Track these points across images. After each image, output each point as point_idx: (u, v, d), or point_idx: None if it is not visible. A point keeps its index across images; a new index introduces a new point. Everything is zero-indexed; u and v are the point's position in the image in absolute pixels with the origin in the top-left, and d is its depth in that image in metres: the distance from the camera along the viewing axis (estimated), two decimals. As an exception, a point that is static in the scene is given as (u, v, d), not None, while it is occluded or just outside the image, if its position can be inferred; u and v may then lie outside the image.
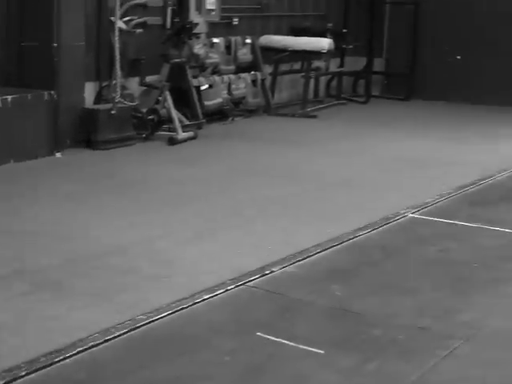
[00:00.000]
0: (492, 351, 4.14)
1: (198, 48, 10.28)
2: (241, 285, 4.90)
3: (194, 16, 9.98)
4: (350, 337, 4.25)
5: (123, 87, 9.19)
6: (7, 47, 8.68)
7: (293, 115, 11.79)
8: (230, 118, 10.97)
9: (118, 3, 8.92)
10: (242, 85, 11.28)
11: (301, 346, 4.09)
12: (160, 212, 6.52)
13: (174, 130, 9.43)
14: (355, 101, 13.50)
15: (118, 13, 8.99)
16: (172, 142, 9.25)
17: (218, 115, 10.93)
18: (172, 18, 9.74)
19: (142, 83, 9.80)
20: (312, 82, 12.90)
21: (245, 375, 3.79)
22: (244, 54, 11.42)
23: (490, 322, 4.48)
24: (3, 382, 3.56)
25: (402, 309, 4.63)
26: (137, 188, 7.28)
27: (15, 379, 3.60)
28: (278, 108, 12.10)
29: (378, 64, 14.34)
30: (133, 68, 9.64)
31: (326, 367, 3.88)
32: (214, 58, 10.79)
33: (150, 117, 9.46)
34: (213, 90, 10.69)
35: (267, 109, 11.82)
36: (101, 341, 4.02)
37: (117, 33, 8.90)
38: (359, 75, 14.09)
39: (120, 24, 9.11)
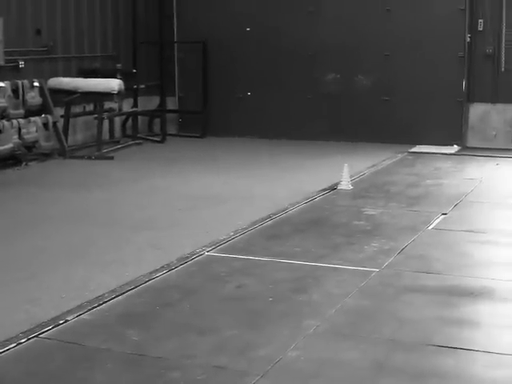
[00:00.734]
0: (287, 385, 4.20)
1: (-17, 93, 10.00)
2: (34, 337, 4.74)
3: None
4: (148, 382, 4.19)
5: None
6: None
7: (89, 157, 11.66)
8: (24, 163, 10.74)
9: None
10: (33, 128, 11.04)
11: (97, 397, 4.00)
12: None
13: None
14: (152, 140, 13.54)
15: None
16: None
17: (11, 160, 10.68)
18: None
19: None
20: (106, 122, 12.85)
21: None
22: (33, 98, 11.19)
23: (286, 355, 4.54)
24: None
25: (200, 349, 4.62)
26: None
27: None
28: (73, 150, 11.95)
29: (172, 102, 14.47)
30: None
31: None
32: (1, 102, 10.52)
33: None
34: (2, 136, 10.41)
35: (62, 152, 11.62)
36: None
37: None
38: (154, 114, 14.18)
39: None
